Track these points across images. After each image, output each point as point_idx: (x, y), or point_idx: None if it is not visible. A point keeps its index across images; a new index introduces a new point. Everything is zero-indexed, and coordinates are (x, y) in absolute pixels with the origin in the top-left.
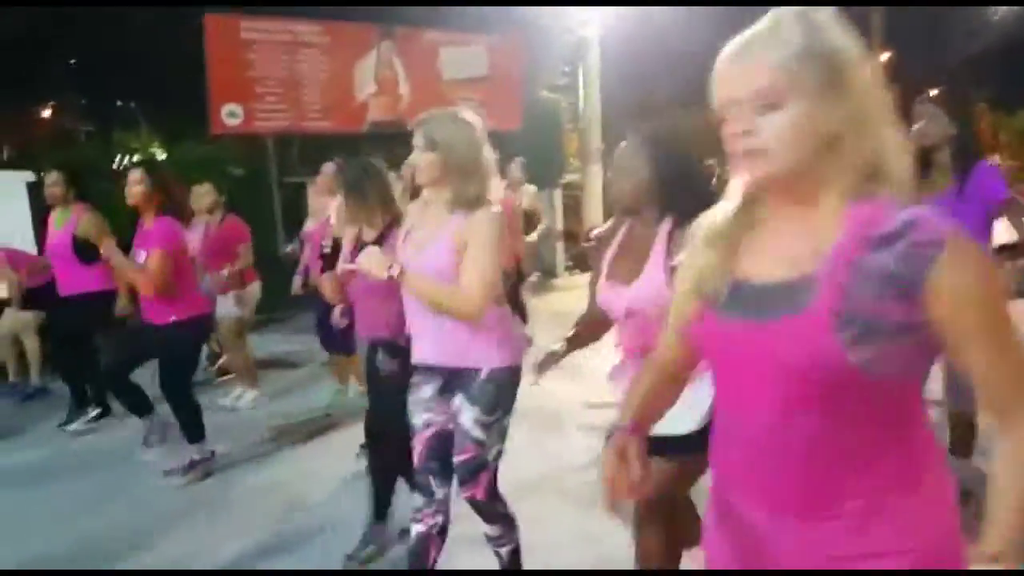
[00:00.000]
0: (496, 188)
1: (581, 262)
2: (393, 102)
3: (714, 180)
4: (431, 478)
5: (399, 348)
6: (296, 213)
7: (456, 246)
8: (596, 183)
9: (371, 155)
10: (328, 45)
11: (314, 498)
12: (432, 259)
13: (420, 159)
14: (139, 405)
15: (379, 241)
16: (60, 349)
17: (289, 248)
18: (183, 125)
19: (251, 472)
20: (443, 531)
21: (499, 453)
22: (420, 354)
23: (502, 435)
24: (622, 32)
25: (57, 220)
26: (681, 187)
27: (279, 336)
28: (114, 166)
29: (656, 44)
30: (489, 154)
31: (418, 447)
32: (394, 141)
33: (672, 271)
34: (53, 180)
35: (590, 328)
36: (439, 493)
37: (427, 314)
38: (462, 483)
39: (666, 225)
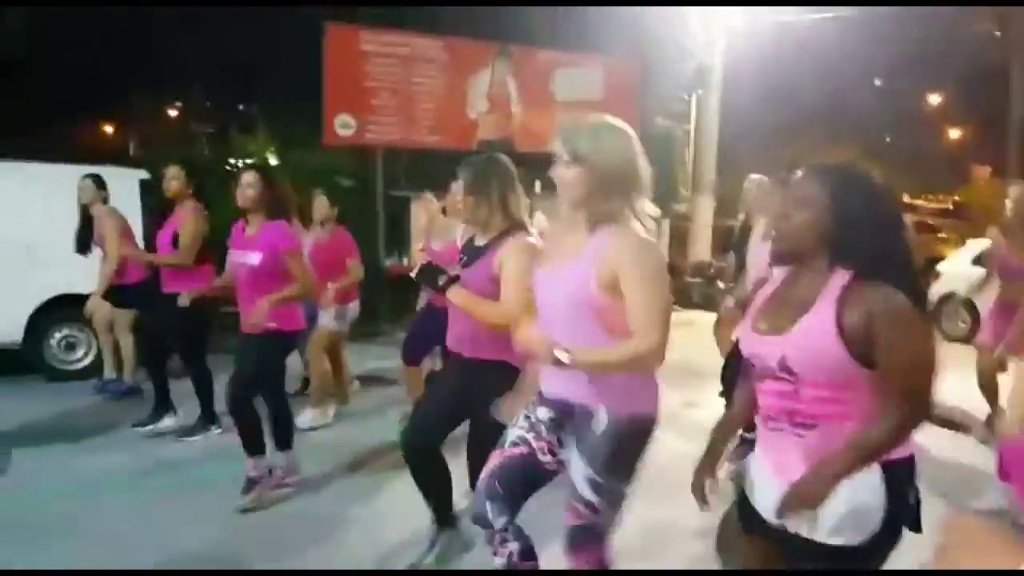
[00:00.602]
0: (649, 208)
1: (684, 298)
2: (504, 121)
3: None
4: (489, 505)
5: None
6: (399, 227)
7: (599, 275)
8: (706, 214)
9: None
10: (445, 61)
11: (399, 534)
12: (565, 284)
13: (563, 174)
14: (254, 441)
15: (491, 247)
16: (152, 346)
17: (390, 263)
18: (299, 132)
19: (332, 499)
20: (527, 553)
21: (616, 521)
22: (542, 384)
23: (620, 499)
24: (744, 59)
25: (171, 216)
26: (865, 232)
27: (377, 350)
28: (228, 167)
29: (777, 73)
30: (645, 167)
31: (493, 462)
32: None
33: (842, 329)
34: (173, 174)
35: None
36: (498, 522)
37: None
38: (567, 550)
39: (840, 277)
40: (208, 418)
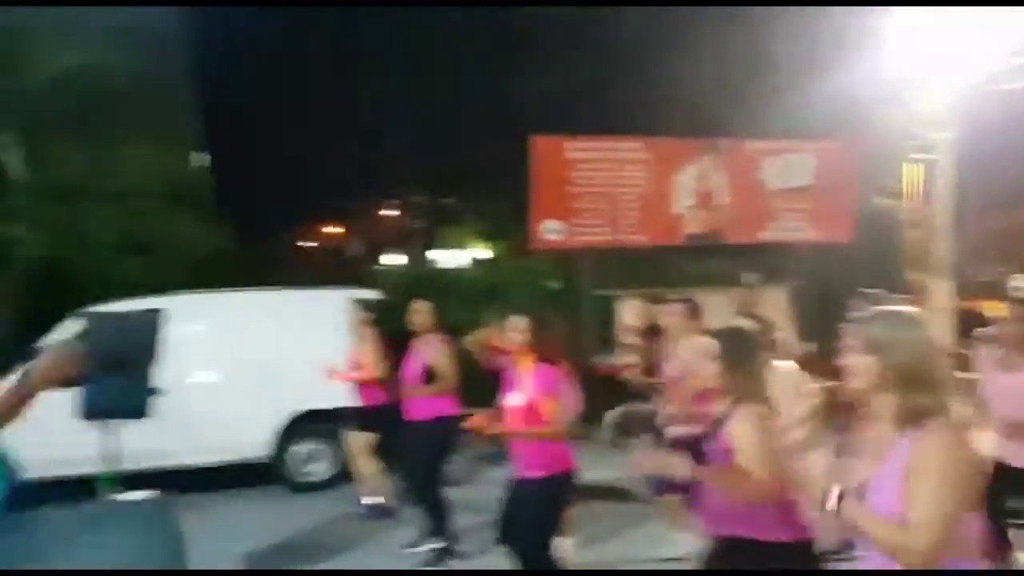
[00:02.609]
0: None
1: None
2: (711, 214)
3: None
4: None
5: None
6: (607, 326)
7: (905, 474)
8: (942, 297)
9: (688, 271)
10: (648, 160)
11: None
12: (878, 492)
13: (857, 362)
14: None
15: (725, 417)
16: (408, 473)
17: (599, 361)
18: (501, 225)
19: None
20: None
21: None
22: None
23: None
24: (974, 130)
25: (414, 346)
26: None
27: (593, 457)
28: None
29: (1013, 139)
30: (943, 363)
31: None
32: (708, 254)
33: None
34: (418, 307)
35: None
36: None
37: None
38: None
39: None
40: (441, 539)
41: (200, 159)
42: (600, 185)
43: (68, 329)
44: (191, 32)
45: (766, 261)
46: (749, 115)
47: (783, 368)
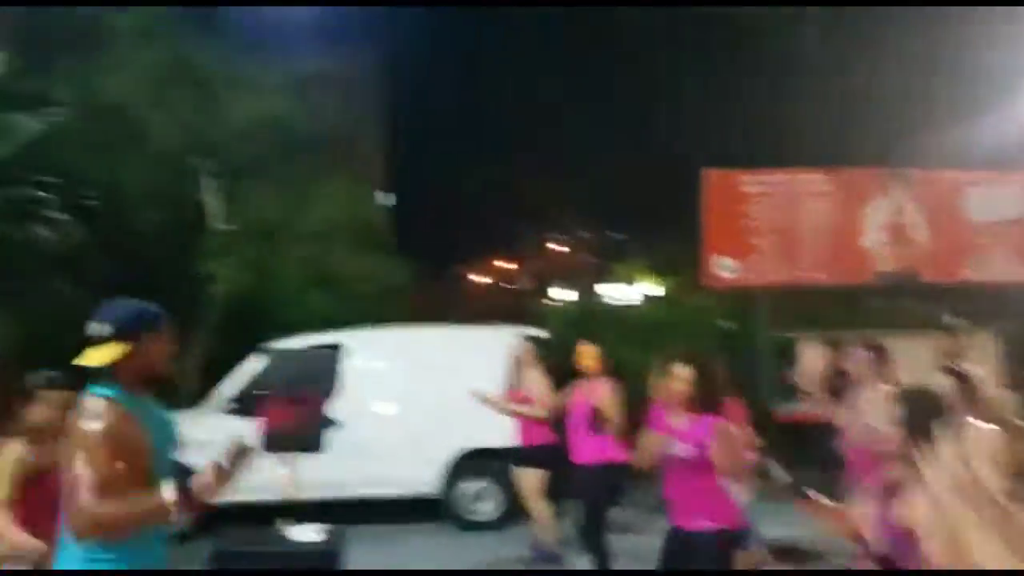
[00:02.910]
0: None
1: None
2: (905, 251)
3: None
4: None
5: None
6: (784, 371)
7: None
8: None
9: (878, 312)
10: (832, 193)
11: None
12: None
13: None
14: None
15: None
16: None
17: (779, 408)
18: (673, 261)
19: None
20: None
21: None
22: None
23: None
24: None
25: (582, 388)
26: None
27: (774, 514)
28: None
29: None
30: None
31: None
32: (901, 294)
33: None
34: (586, 351)
35: None
36: None
37: None
38: None
39: None
40: None
41: (384, 198)
42: (778, 220)
43: (253, 364)
44: (377, 78)
45: (969, 302)
46: (946, 140)
47: (985, 431)
